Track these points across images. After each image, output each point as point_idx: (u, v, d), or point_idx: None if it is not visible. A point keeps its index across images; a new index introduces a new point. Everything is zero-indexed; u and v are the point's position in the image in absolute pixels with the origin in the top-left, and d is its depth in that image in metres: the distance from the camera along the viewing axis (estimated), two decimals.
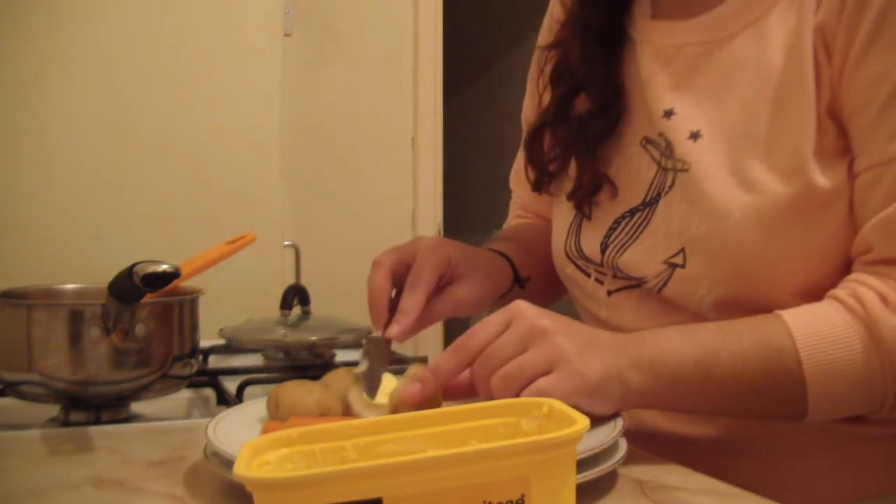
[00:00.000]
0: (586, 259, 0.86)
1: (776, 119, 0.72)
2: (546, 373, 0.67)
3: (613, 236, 0.82)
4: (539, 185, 0.92)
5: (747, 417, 0.77)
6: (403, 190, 2.35)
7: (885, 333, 0.67)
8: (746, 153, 0.73)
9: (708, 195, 0.74)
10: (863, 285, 0.69)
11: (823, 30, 0.71)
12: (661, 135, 0.79)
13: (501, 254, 0.92)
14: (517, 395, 0.67)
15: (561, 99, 0.89)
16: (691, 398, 0.71)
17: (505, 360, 0.68)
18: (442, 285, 0.83)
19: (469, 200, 3.73)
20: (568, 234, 0.88)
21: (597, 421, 0.67)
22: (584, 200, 0.86)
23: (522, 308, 0.70)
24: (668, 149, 0.78)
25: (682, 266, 0.76)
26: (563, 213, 0.90)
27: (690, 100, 0.78)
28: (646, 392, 0.69)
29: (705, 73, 0.78)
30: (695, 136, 0.76)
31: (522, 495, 0.45)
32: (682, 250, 0.76)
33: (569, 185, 0.87)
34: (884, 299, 0.68)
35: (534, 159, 0.92)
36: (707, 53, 0.78)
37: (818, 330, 0.68)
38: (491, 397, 0.68)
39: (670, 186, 0.77)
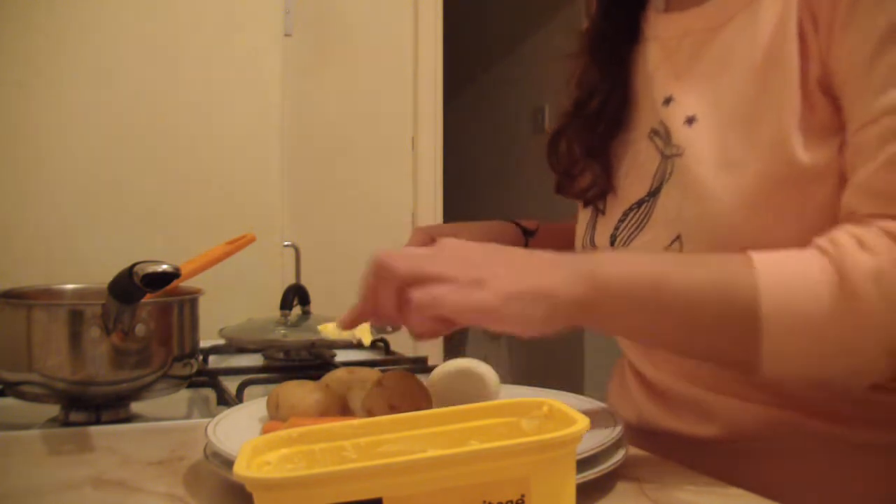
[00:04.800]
0: None
1: (760, 97, 0.72)
2: (447, 281, 0.64)
3: (621, 228, 0.83)
4: (559, 188, 0.94)
5: (698, 355, 0.73)
6: (403, 190, 2.35)
7: (851, 270, 0.62)
8: (734, 134, 0.73)
9: (698, 179, 0.74)
10: (843, 231, 0.66)
11: (810, 1, 0.70)
12: (661, 123, 0.80)
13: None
14: (397, 293, 0.65)
15: (576, 104, 0.90)
16: (638, 319, 0.67)
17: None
18: None
19: (469, 200, 3.73)
20: (585, 231, 0.90)
21: (597, 422, 0.67)
22: (592, 201, 0.88)
23: (448, 241, 0.68)
24: (667, 136, 0.79)
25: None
26: (583, 213, 0.92)
27: (688, 86, 0.79)
28: (583, 305, 0.65)
29: (703, 59, 0.79)
30: (690, 120, 0.77)
31: (522, 495, 0.45)
32: (679, 237, 0.76)
33: (581, 185, 0.89)
34: (859, 241, 0.64)
35: (553, 163, 0.94)
36: (706, 40, 0.79)
37: (781, 260, 0.65)
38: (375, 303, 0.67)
39: (670, 174, 0.78)
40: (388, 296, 0.66)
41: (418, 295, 0.64)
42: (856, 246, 0.64)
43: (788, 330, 0.63)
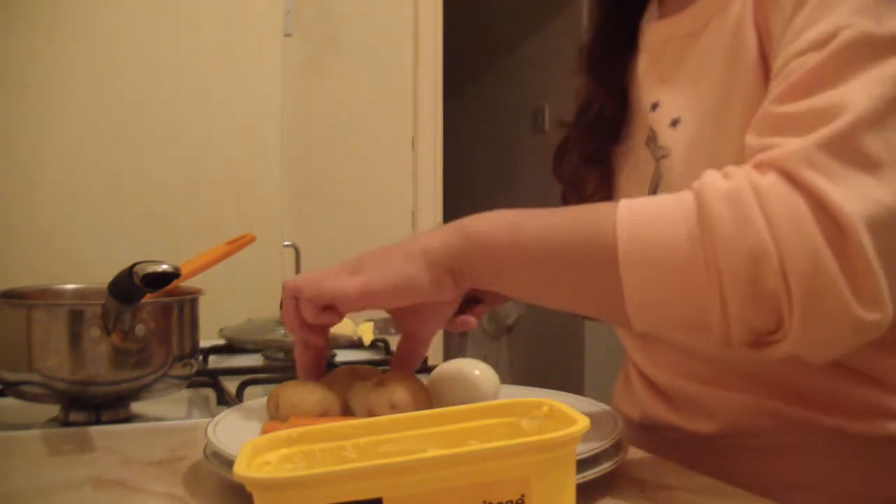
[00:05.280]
0: None
1: (730, 88, 0.73)
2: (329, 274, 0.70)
3: None
4: (565, 198, 0.95)
5: (570, 304, 0.72)
6: (403, 190, 2.35)
7: (708, 195, 0.60)
8: (712, 129, 0.74)
9: (682, 177, 0.75)
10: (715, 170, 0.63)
11: None
12: (650, 128, 0.81)
13: None
14: (294, 299, 0.71)
15: (576, 115, 0.92)
16: (502, 262, 0.67)
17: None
18: None
19: (469, 200, 3.73)
20: None
21: (597, 421, 0.67)
22: None
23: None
24: (655, 139, 0.80)
25: None
26: None
27: (673, 91, 0.80)
28: (450, 250, 0.67)
29: (686, 63, 0.80)
30: (675, 122, 0.78)
31: (522, 495, 0.45)
32: None
33: (585, 194, 0.90)
34: (725, 174, 0.62)
35: (558, 174, 0.95)
36: (687, 45, 0.80)
37: (646, 200, 0.64)
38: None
39: (662, 177, 0.79)
40: (287, 308, 0.72)
41: (302, 283, 0.70)
42: (720, 177, 0.61)
43: (645, 260, 0.60)
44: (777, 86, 0.64)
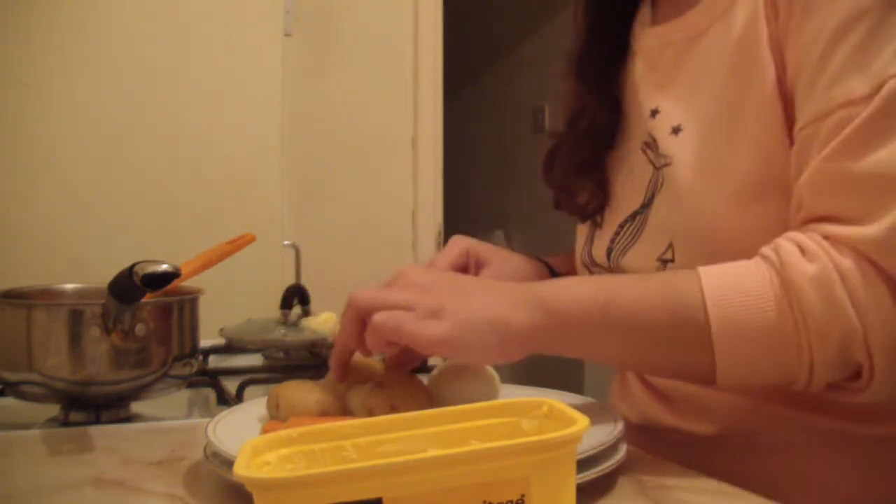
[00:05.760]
0: (598, 265, 0.87)
1: (739, 100, 0.73)
2: (405, 308, 0.67)
3: (617, 240, 0.84)
4: (557, 204, 0.95)
5: (654, 370, 0.77)
6: (403, 190, 2.35)
7: (795, 277, 0.64)
8: (718, 139, 0.74)
9: (685, 186, 0.75)
10: (785, 239, 0.67)
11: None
12: (649, 134, 0.81)
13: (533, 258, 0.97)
14: (359, 322, 0.68)
15: (567, 123, 0.92)
16: (590, 340, 0.70)
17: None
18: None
19: (469, 200, 3.72)
20: (585, 244, 0.91)
21: (597, 421, 0.67)
22: (591, 216, 0.90)
23: (406, 269, 0.71)
24: (655, 147, 0.80)
25: (672, 261, 0.77)
26: (582, 227, 0.93)
27: (673, 96, 0.80)
28: (535, 330, 0.68)
29: (685, 69, 0.79)
30: (676, 130, 0.78)
31: (522, 495, 0.45)
32: (671, 245, 0.77)
33: (578, 201, 0.90)
34: (801, 248, 0.65)
35: (548, 181, 0.95)
36: (687, 50, 0.79)
37: (728, 276, 0.66)
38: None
39: (661, 184, 0.79)
40: (351, 324, 0.70)
41: (378, 317, 0.67)
42: (798, 254, 0.65)
43: (739, 340, 0.65)
44: (826, 137, 0.66)
